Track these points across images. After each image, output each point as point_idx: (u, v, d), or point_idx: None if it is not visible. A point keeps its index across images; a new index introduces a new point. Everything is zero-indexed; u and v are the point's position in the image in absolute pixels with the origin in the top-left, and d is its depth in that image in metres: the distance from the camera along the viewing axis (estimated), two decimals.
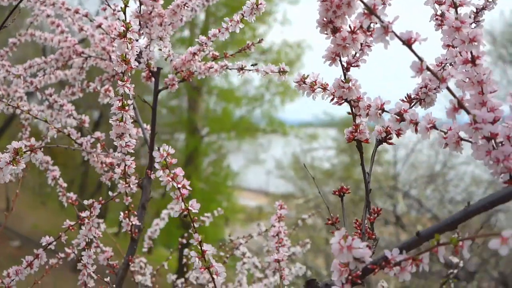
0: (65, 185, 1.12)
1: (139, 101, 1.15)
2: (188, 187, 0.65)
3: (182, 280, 1.57)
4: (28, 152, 0.67)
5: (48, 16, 1.24)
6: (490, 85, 0.55)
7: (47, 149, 1.30)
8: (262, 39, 1.03)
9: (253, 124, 12.22)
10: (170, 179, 0.64)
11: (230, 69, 1.00)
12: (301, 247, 1.49)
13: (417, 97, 0.71)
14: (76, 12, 1.12)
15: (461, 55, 0.58)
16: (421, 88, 0.71)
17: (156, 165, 0.64)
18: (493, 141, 0.55)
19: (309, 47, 10.26)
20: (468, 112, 0.53)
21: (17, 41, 1.40)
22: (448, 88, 0.53)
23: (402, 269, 0.53)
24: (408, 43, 0.53)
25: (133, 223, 1.00)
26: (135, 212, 1.00)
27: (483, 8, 0.75)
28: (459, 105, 0.53)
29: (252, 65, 0.95)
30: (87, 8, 1.18)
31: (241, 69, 0.98)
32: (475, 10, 0.74)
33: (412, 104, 0.72)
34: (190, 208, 0.65)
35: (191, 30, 9.74)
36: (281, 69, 0.86)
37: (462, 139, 0.57)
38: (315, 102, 0.77)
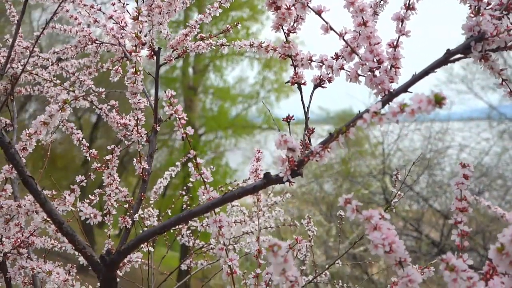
0: (87, 144, 1.42)
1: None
2: (190, 131, 0.95)
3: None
4: (74, 100, 0.97)
5: (67, 11, 1.55)
6: (375, 39, 0.86)
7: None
8: (238, 23, 1.34)
9: (249, 122, 12.53)
10: (173, 112, 0.94)
11: (214, 46, 1.31)
12: (281, 197, 1.81)
13: (342, 55, 1.02)
14: (92, 7, 1.42)
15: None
16: (344, 47, 1.02)
17: (163, 103, 0.94)
18: (378, 73, 0.85)
19: (302, 43, 10.61)
20: (357, 55, 0.84)
21: (40, 34, 1.70)
22: (344, 40, 0.84)
23: (321, 156, 0.83)
24: (319, 13, 0.83)
25: (144, 167, 1.31)
26: (145, 158, 1.30)
27: None
28: (352, 51, 0.84)
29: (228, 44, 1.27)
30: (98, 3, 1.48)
31: (222, 45, 1.29)
32: None
33: (339, 59, 1.02)
34: (187, 131, 0.96)
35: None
36: (251, 43, 1.17)
37: (359, 74, 0.87)
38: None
